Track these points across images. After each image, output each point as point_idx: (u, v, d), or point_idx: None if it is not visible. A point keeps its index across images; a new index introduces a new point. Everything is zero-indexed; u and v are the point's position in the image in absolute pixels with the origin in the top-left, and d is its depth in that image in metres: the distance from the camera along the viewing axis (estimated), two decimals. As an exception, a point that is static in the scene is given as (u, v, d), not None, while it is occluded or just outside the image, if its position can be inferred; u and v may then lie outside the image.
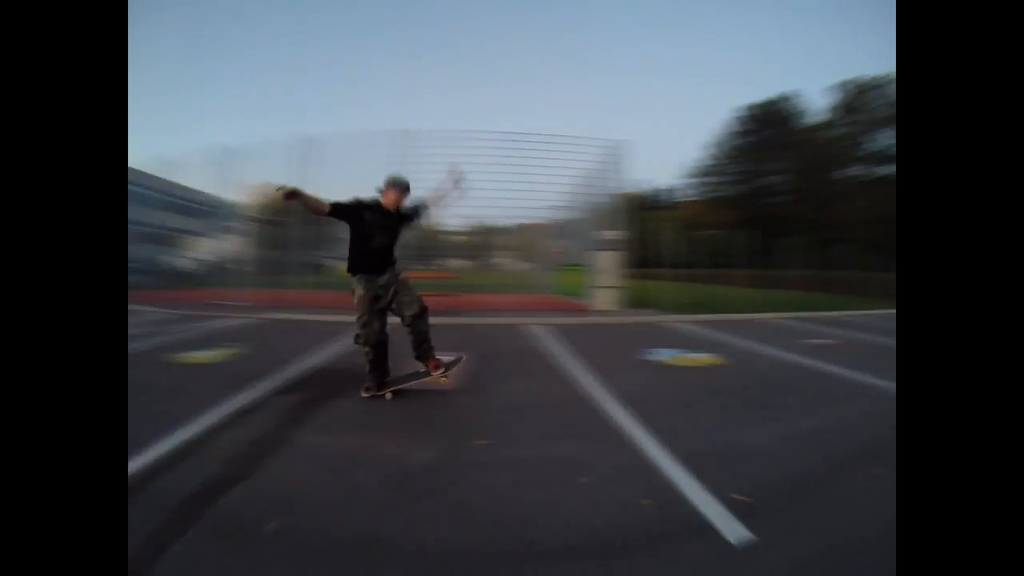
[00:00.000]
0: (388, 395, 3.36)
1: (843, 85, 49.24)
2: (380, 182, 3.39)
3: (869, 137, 47.27)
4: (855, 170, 47.03)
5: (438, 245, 12.12)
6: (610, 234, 9.88)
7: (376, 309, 3.30)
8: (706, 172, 59.61)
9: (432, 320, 3.44)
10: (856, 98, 48.59)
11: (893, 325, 10.29)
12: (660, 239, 14.46)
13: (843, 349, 6.25)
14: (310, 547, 1.54)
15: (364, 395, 3.33)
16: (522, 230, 14.47)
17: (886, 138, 45.39)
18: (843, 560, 1.60)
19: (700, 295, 14.22)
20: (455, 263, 13.42)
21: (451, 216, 10.47)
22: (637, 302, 10.45)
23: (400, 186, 3.38)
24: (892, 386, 4.24)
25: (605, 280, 9.42)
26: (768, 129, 53.87)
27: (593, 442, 2.60)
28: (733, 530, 1.76)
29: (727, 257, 17.53)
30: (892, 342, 7.46)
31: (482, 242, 14.12)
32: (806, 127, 51.63)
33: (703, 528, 1.78)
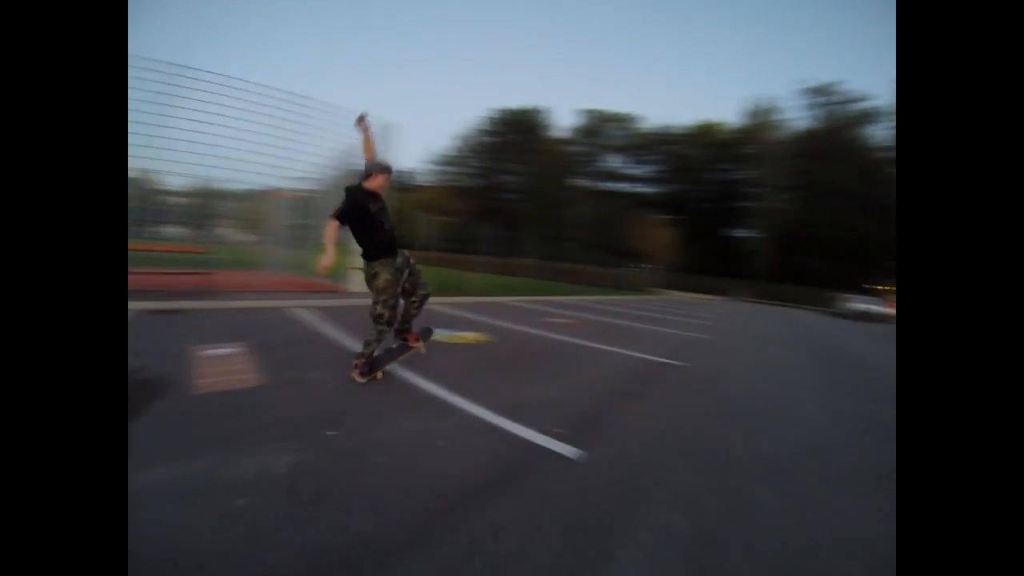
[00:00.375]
0: (379, 375, 3.62)
1: (588, 112, 62.48)
2: (365, 168, 3.60)
3: (600, 158, 60.67)
4: (583, 182, 59.26)
5: (152, 209, 9.55)
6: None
7: (397, 291, 3.62)
8: (449, 162, 65.11)
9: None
10: (596, 125, 61.68)
11: (611, 308, 13.41)
12: (408, 222, 15.11)
13: (577, 326, 8.12)
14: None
15: (361, 380, 3.48)
16: (255, 198, 13.00)
17: (615, 161, 58.91)
18: (640, 455, 2.61)
19: (448, 279, 15.55)
20: (170, 231, 10.99)
21: (172, 173, 8.72)
22: (390, 284, 10.84)
23: (388, 170, 3.62)
24: (619, 350, 5.81)
25: (359, 261, 9.41)
26: (514, 133, 63.12)
27: (427, 412, 2.98)
28: (567, 450, 2.52)
29: (468, 244, 19.46)
30: (611, 320, 9.84)
31: (204, 208, 11.82)
32: (548, 139, 62.98)
33: (548, 453, 2.48)
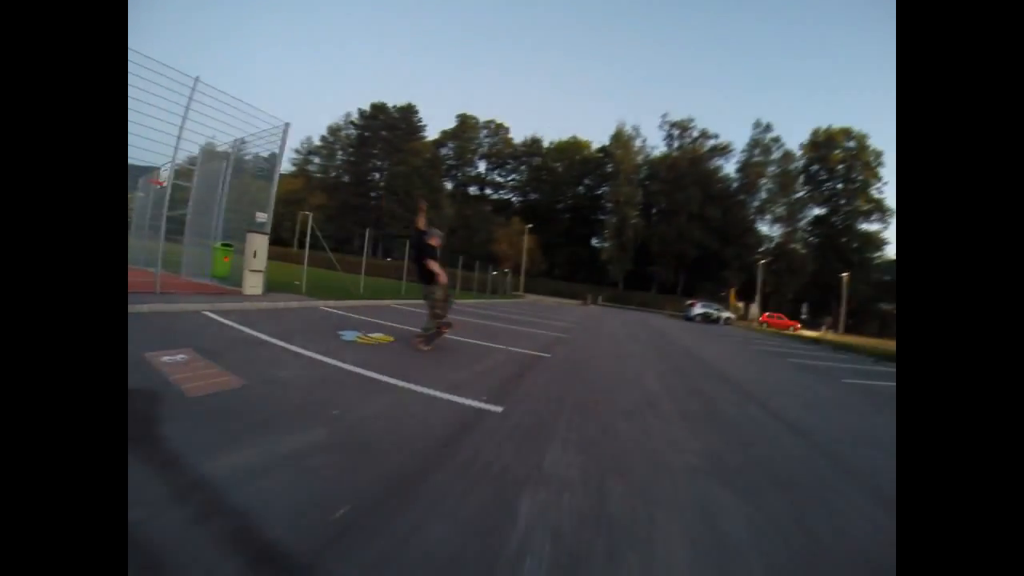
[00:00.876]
0: (431, 347, 6.30)
1: (461, 117, 64.38)
2: (430, 231, 6.24)
3: (469, 163, 62.64)
4: (451, 185, 60.74)
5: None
6: (261, 215, 10.14)
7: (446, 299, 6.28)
8: (315, 152, 62.25)
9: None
10: (468, 130, 63.24)
11: (483, 311, 14.78)
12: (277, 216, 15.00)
13: (458, 327, 9.29)
14: (377, 495, 2.25)
15: (426, 348, 6.21)
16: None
17: (483, 167, 61.91)
18: (540, 408, 4.04)
19: (325, 280, 15.80)
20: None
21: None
22: (275, 286, 11.06)
23: (441, 236, 6.41)
24: (502, 346, 7.22)
25: (256, 263, 9.60)
26: (385, 129, 62.73)
27: (389, 393, 3.95)
28: (495, 408, 3.82)
29: (339, 243, 19.41)
30: (487, 323, 11.23)
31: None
32: (420, 139, 63.86)
33: (484, 411, 3.73)
